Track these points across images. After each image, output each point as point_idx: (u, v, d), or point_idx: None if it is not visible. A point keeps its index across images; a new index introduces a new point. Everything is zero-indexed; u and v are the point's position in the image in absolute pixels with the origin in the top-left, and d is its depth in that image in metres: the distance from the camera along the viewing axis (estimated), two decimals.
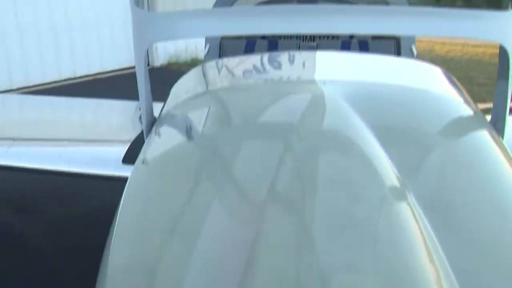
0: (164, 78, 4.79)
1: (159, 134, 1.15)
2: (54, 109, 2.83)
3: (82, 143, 2.21)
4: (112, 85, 7.82)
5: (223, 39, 2.69)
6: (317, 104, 0.98)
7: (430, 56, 8.47)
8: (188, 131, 1.08)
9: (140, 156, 1.06)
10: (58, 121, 2.62)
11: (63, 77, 8.24)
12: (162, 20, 1.12)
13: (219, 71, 1.46)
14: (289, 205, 0.75)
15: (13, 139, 2.23)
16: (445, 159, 0.94)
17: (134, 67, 1.21)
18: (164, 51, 9.51)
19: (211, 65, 1.59)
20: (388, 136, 0.91)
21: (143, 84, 1.18)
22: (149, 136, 1.18)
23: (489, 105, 1.22)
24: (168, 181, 0.94)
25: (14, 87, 7.59)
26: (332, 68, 1.34)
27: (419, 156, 0.92)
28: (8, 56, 7.52)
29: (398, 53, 2.55)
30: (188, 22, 1.09)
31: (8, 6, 7.40)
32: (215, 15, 1.12)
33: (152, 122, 1.23)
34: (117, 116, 2.58)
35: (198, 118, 1.13)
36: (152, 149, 1.10)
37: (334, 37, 2.65)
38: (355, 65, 1.38)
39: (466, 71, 9.03)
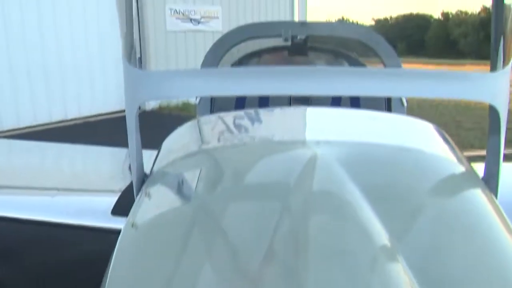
0: (155, 122, 4.83)
1: (149, 195, 1.13)
2: (43, 154, 2.81)
3: (71, 192, 2.18)
4: (102, 129, 7.84)
5: None
6: (310, 167, 0.97)
7: (417, 101, 8.61)
8: (179, 193, 1.08)
9: (130, 218, 1.05)
10: (47, 167, 2.60)
11: (54, 120, 8.27)
12: (154, 79, 1.12)
13: (211, 128, 1.46)
14: (281, 272, 0.75)
15: (1, 187, 2.21)
16: (437, 221, 0.94)
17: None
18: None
19: (202, 121, 1.60)
20: (380, 199, 0.92)
21: (133, 141, 1.17)
22: (139, 194, 1.17)
23: (479, 152, 1.23)
24: (159, 246, 0.93)
25: (5, 128, 7.59)
26: (324, 126, 1.35)
27: (410, 220, 0.92)
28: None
29: (388, 104, 2.57)
30: (179, 82, 1.08)
31: (1, 48, 7.47)
32: (206, 75, 1.13)
33: (143, 179, 1.22)
34: (107, 164, 2.57)
35: (190, 179, 1.12)
36: (143, 210, 1.09)
37: None
38: (347, 123, 1.39)
39: (453, 116, 9.18)
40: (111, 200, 1.79)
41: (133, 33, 1.20)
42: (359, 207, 0.87)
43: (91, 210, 1.88)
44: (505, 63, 1.09)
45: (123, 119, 1.22)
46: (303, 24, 2.68)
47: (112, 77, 8.64)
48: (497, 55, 1.11)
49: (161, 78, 1.11)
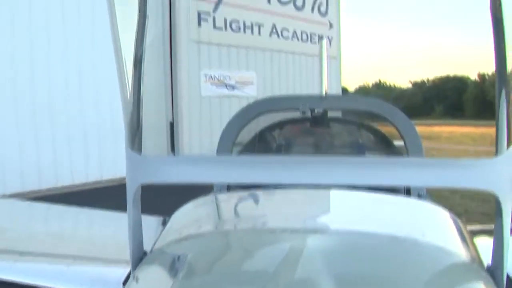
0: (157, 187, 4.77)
1: (143, 275, 1.18)
2: (62, 218, 2.85)
3: (87, 261, 2.18)
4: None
5: None
6: (295, 258, 1.00)
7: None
8: (170, 277, 1.10)
9: None
10: (65, 232, 2.62)
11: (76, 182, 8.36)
12: (153, 164, 1.20)
13: (215, 208, 1.56)
14: None
15: (19, 253, 2.23)
16: None
17: None
18: None
19: (207, 200, 1.65)
20: None
21: (131, 221, 1.22)
22: (134, 273, 1.21)
23: None
24: None
25: (27, 189, 7.68)
26: (326, 210, 1.42)
27: None
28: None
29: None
30: (177, 168, 1.16)
31: (9, 113, 7.69)
32: (204, 163, 1.18)
33: (141, 257, 1.26)
34: (124, 231, 2.53)
35: (181, 264, 1.14)
36: None
37: None
38: (353, 207, 1.43)
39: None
40: (124, 270, 1.78)
41: (136, 119, 1.26)
42: None
43: (104, 281, 1.87)
44: (508, 145, 1.07)
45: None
46: (321, 97, 2.69)
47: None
48: (500, 137, 1.09)
49: (159, 163, 1.20)
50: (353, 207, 1.44)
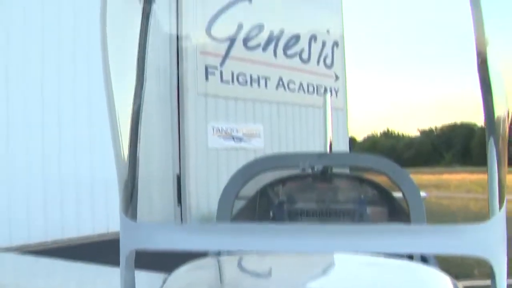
0: None
1: None
2: (67, 274, 2.82)
3: None
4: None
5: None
6: None
7: None
8: None
9: None
10: None
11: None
12: (147, 231, 1.18)
13: (217, 271, 1.55)
14: None
15: None
16: None
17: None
18: (198, 210, 9.61)
19: (201, 263, 1.63)
20: None
21: (124, 285, 1.20)
22: None
23: None
24: None
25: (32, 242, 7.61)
26: (330, 277, 1.39)
27: None
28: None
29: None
30: (173, 235, 1.15)
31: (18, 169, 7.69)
32: (199, 230, 1.18)
33: None
34: None
35: None
36: None
37: (341, 216, 2.66)
38: (354, 272, 1.41)
39: None
40: None
41: (131, 182, 1.24)
42: None
43: None
44: (501, 205, 1.06)
45: None
46: (320, 155, 2.71)
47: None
48: (492, 197, 1.08)
49: (154, 231, 1.17)
50: (351, 271, 1.43)
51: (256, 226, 1.15)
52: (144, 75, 1.25)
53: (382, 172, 2.60)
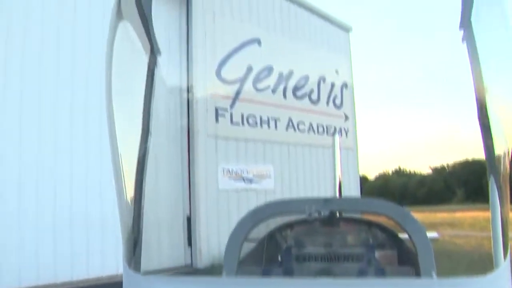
0: None
1: None
2: None
3: None
4: None
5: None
6: None
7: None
8: None
9: None
10: None
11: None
12: (150, 285, 1.17)
13: None
14: None
15: None
16: None
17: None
18: (209, 252, 9.51)
19: None
20: None
21: None
22: None
23: None
24: None
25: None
26: None
27: None
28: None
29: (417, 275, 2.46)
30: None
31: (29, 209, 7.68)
32: (201, 284, 1.17)
33: None
34: None
35: None
36: None
37: (349, 261, 2.63)
38: None
39: None
40: None
41: (135, 233, 1.23)
42: None
43: None
44: (505, 255, 1.06)
45: None
46: (326, 200, 2.71)
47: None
48: (496, 249, 1.08)
49: (157, 284, 1.17)
50: None
51: (261, 281, 1.14)
52: (150, 121, 1.25)
53: (387, 216, 2.59)
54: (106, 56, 1.44)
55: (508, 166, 1.20)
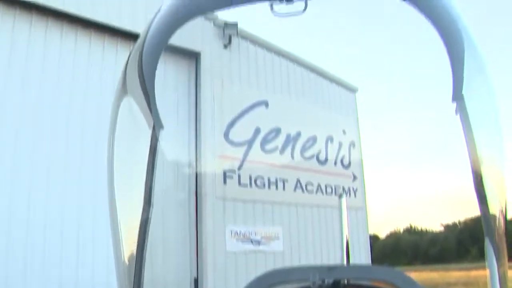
0: None
1: None
2: None
3: None
4: None
5: None
6: None
7: None
8: None
9: None
10: None
11: None
12: None
13: None
14: None
15: None
16: None
17: None
18: None
19: None
20: None
21: None
22: None
23: None
24: None
25: None
26: None
27: None
28: None
29: None
30: None
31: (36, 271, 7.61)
32: None
33: None
34: None
35: None
36: None
37: None
38: None
39: None
40: None
41: None
42: None
43: None
44: None
45: None
46: (330, 268, 2.67)
47: None
48: None
49: None
50: None
51: None
52: (152, 193, 1.25)
53: (393, 285, 2.54)
54: (109, 129, 1.48)
55: (503, 227, 1.25)
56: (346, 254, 3.11)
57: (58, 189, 8.01)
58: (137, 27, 8.58)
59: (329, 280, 2.65)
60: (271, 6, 1.71)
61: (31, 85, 8.00)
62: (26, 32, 8.10)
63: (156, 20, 1.58)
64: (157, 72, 1.52)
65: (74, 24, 8.69)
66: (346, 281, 2.74)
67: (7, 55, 7.85)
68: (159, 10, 1.62)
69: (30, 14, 8.16)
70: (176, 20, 1.60)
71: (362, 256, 12.90)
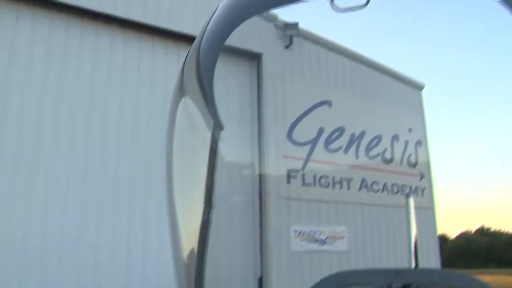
0: None
1: None
2: None
3: None
4: None
5: None
6: None
7: None
8: None
9: None
10: None
11: None
12: None
13: None
14: None
15: None
16: None
17: None
18: None
19: None
20: None
21: None
22: None
23: None
24: None
25: None
26: None
27: None
28: None
29: None
30: None
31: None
32: None
33: None
34: None
35: None
36: None
37: None
38: None
39: None
40: None
41: None
42: None
43: None
44: None
45: None
46: (398, 272, 2.57)
47: None
48: None
49: None
50: None
51: None
52: (212, 194, 1.24)
53: None
54: (167, 130, 1.47)
55: None
56: (414, 256, 3.00)
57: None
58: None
59: (397, 285, 2.58)
60: (331, 0, 1.63)
61: (99, 95, 8.35)
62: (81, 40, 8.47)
63: (212, 20, 1.57)
64: (219, 74, 1.51)
65: (138, 30, 9.03)
66: (415, 286, 2.64)
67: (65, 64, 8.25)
68: (215, 10, 1.62)
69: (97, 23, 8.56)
70: (233, 20, 1.59)
71: (430, 258, 12.47)
